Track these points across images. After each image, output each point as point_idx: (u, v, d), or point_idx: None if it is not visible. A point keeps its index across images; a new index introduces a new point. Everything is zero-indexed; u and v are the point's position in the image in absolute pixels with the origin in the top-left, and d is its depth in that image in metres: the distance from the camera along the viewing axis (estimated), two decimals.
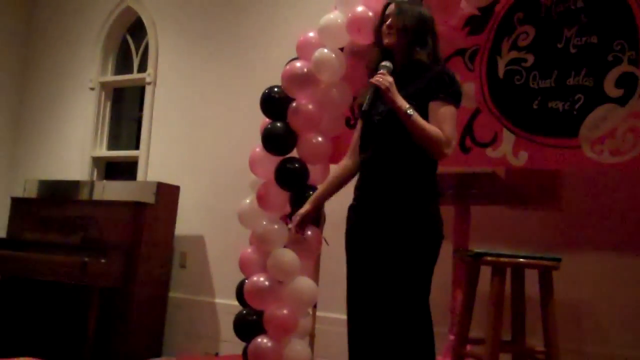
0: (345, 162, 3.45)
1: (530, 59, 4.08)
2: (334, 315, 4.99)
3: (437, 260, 2.85)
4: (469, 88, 4.23)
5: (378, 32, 3.16)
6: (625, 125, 3.73)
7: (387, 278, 2.82)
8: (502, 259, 2.75)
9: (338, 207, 4.78)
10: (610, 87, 3.80)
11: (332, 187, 3.49)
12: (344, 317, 5.05)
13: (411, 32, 2.99)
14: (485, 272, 3.13)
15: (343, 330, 5.01)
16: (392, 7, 3.14)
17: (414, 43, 3.00)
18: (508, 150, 4.07)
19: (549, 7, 4.06)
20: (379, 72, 2.95)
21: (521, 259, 2.74)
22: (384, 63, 3.02)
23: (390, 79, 2.88)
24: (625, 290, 4.12)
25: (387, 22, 3.09)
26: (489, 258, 2.72)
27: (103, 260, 5.59)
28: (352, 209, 3.09)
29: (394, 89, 2.86)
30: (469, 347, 3.19)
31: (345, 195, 4.99)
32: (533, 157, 3.99)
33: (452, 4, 4.18)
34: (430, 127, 2.79)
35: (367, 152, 3.04)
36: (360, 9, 4.28)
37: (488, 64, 4.22)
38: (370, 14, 4.24)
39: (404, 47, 3.03)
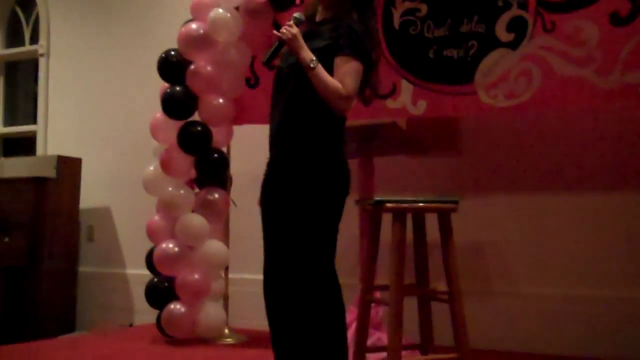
0: None
1: (424, 8, 4.11)
2: (247, 276, 4.99)
3: (341, 214, 2.84)
4: None
5: None
6: (517, 68, 3.82)
7: (290, 232, 2.80)
8: (402, 205, 2.78)
9: (244, 168, 4.81)
10: (501, 32, 3.87)
11: None
12: (257, 277, 5.06)
13: None
14: (390, 221, 3.17)
15: (256, 291, 5.01)
16: None
17: (335, 4, 2.92)
18: (407, 100, 4.11)
19: None
20: (287, 23, 2.88)
21: (420, 204, 2.78)
22: (295, 14, 2.95)
23: (295, 30, 2.82)
24: (526, 228, 4.26)
25: None
26: (389, 205, 2.75)
27: (6, 239, 5.44)
28: (267, 164, 3.06)
29: (298, 41, 2.80)
30: (378, 295, 3.24)
31: (250, 157, 5.00)
32: (431, 106, 4.05)
33: None
34: (331, 81, 2.75)
35: (277, 105, 3.01)
36: None
37: (383, 16, 4.22)
38: None
39: (326, 6, 2.96)
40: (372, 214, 2.85)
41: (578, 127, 4.15)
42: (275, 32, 2.87)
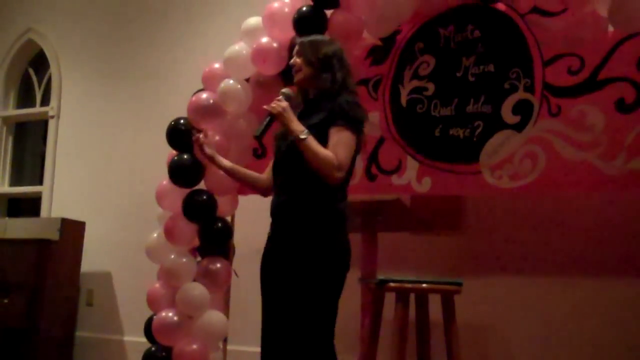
0: (264, 175, 3.42)
1: (431, 87, 4.18)
2: (246, 348, 4.94)
3: (341, 290, 2.84)
4: (373, 117, 4.31)
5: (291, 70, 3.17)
6: (522, 150, 3.85)
7: (290, 309, 2.81)
8: (405, 285, 2.77)
9: (247, 239, 4.80)
10: (507, 114, 3.93)
11: (243, 173, 3.52)
12: (255, 349, 5.01)
13: (316, 66, 3.02)
14: (392, 299, 3.16)
15: None
16: (296, 46, 3.17)
17: (319, 76, 3.01)
18: (412, 177, 4.15)
19: (448, 37, 4.18)
20: (277, 98, 2.97)
21: (424, 284, 2.77)
22: (283, 90, 3.05)
23: (284, 104, 2.91)
24: (528, 309, 4.22)
25: (291, 62, 3.13)
26: (392, 284, 2.74)
27: (5, 301, 5.40)
28: (268, 237, 3.08)
29: (288, 115, 2.88)
30: None
31: (254, 227, 5.00)
32: (436, 184, 4.08)
33: (354, 35, 4.24)
34: (322, 151, 2.80)
35: (277, 180, 3.05)
36: (265, 40, 4.30)
37: (391, 93, 4.30)
38: (275, 44, 4.27)
39: (310, 81, 3.05)
40: (375, 292, 2.84)
41: (584, 211, 4.14)
42: (265, 106, 2.94)
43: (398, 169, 4.20)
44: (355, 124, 2.87)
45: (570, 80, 3.78)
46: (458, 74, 4.11)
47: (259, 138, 3.00)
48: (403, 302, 2.70)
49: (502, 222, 4.35)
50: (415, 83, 4.23)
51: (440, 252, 4.44)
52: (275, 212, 2.96)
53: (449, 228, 4.43)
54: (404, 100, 4.25)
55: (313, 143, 2.81)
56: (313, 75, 3.03)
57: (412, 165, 4.16)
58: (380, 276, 3.04)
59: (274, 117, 2.92)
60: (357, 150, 2.96)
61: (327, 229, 2.84)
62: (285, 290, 2.83)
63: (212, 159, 3.45)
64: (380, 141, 4.29)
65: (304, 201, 2.89)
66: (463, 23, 4.13)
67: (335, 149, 2.81)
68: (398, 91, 4.28)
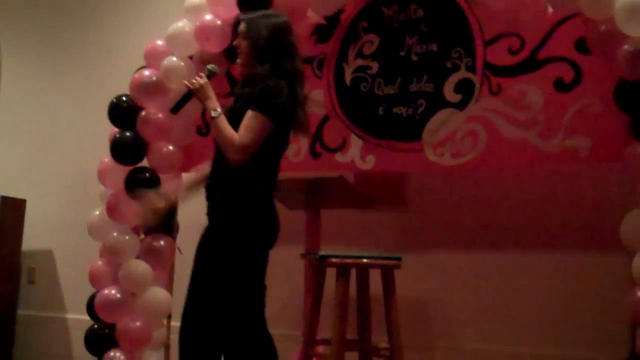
0: None
1: (375, 66, 4.21)
2: None
3: (261, 268, 2.90)
4: (318, 95, 4.33)
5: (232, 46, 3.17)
6: (463, 128, 3.92)
7: (210, 286, 2.88)
8: (346, 260, 2.81)
9: (192, 215, 4.79)
10: (449, 93, 3.98)
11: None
12: None
13: (257, 51, 3.01)
14: (334, 274, 3.19)
15: None
16: (241, 25, 3.13)
17: (258, 59, 3.01)
18: (356, 155, 4.18)
19: (392, 16, 4.21)
20: (199, 74, 3.02)
21: (364, 260, 2.81)
22: (208, 66, 3.09)
23: (203, 81, 2.96)
24: (470, 285, 4.31)
25: (235, 42, 3.11)
26: (334, 260, 2.77)
27: None
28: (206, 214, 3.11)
29: (205, 91, 2.94)
30: (320, 349, 3.24)
31: (198, 205, 4.98)
32: (380, 161, 4.12)
33: (298, 13, 4.23)
34: (228, 131, 2.84)
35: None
36: (208, 17, 4.26)
37: (335, 72, 4.32)
38: (219, 22, 4.24)
39: (250, 62, 3.05)
40: (316, 268, 2.87)
41: (525, 187, 4.23)
42: (184, 81, 3.00)
43: (342, 146, 4.23)
44: (269, 109, 2.87)
45: (511, 59, 3.84)
46: (402, 53, 4.15)
47: (174, 111, 3.06)
48: (344, 278, 2.73)
49: (444, 199, 4.41)
50: (360, 62, 4.26)
51: (384, 229, 4.49)
52: (207, 188, 3.02)
53: (393, 205, 4.48)
54: (348, 79, 4.28)
55: (222, 122, 2.85)
56: (254, 58, 3.02)
57: (356, 143, 4.19)
58: (323, 253, 3.07)
59: (192, 93, 2.96)
60: (283, 134, 2.98)
61: (243, 208, 2.87)
62: (207, 269, 2.89)
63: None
64: (325, 119, 4.31)
65: (223, 180, 2.94)
66: (407, 2, 4.16)
67: (241, 131, 2.83)
68: (342, 70, 4.30)
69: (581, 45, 3.62)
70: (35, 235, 5.92)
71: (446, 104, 3.98)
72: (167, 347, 4.64)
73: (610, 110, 3.50)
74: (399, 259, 2.86)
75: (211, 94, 2.95)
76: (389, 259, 2.84)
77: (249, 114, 2.84)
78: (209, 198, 2.99)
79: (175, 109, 3.04)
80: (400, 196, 4.48)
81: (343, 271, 2.75)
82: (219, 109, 2.89)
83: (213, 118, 2.87)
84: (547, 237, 4.14)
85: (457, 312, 4.34)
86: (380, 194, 4.44)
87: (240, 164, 2.86)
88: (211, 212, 2.98)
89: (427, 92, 4.04)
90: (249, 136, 2.82)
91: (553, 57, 3.72)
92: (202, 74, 3.01)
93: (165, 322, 4.62)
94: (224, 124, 2.86)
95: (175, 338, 4.65)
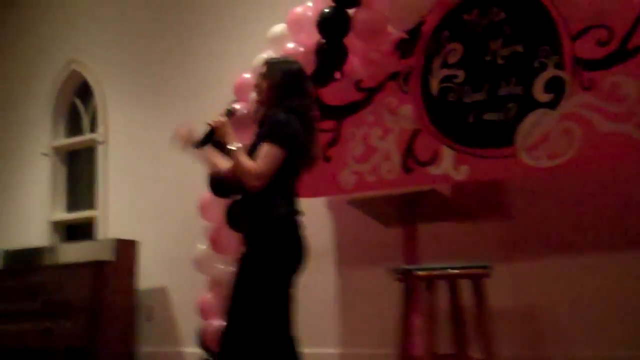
0: None
1: (461, 74, 4.14)
2: (311, 350, 4.97)
3: (284, 289, 3.10)
4: (406, 110, 4.30)
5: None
6: (558, 128, 3.79)
7: (237, 311, 3.09)
8: (433, 272, 2.74)
9: None
10: (539, 93, 3.87)
11: None
12: (311, 351, 5.05)
13: (273, 91, 3.26)
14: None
15: None
16: (263, 67, 3.41)
17: (273, 99, 3.26)
18: (449, 166, 4.11)
19: (473, 22, 4.14)
20: (219, 113, 3.29)
21: (451, 270, 2.74)
22: (227, 107, 3.37)
23: (224, 119, 3.23)
24: (580, 290, 4.13)
25: (255, 82, 3.39)
26: (420, 272, 2.71)
27: (66, 323, 5.56)
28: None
29: (225, 129, 3.19)
30: None
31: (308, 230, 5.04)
32: (474, 170, 4.03)
33: (379, 30, 4.25)
34: (246, 161, 3.08)
35: None
36: (291, 45, 4.34)
37: (422, 85, 4.28)
38: (301, 49, 4.30)
39: (266, 102, 3.30)
40: (405, 282, 2.81)
41: (630, 181, 4.04)
42: (207, 121, 3.25)
43: (434, 159, 4.16)
44: (279, 138, 3.10)
45: (600, 52, 3.69)
46: (487, 58, 4.07)
47: (198, 147, 3.30)
48: (431, 289, 2.66)
49: (546, 202, 4.26)
50: (445, 72, 4.20)
51: (486, 239, 4.37)
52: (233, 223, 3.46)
53: (493, 214, 4.36)
54: (435, 90, 4.22)
55: (241, 155, 3.10)
56: (269, 98, 3.27)
57: (448, 154, 4.12)
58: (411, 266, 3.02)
59: (214, 131, 3.21)
60: (296, 161, 3.21)
61: (266, 234, 3.11)
62: (238, 295, 3.10)
63: None
64: (415, 133, 4.26)
65: (246, 206, 3.22)
66: (487, 6, 4.09)
67: (257, 159, 3.07)
68: (428, 82, 4.25)
69: None
70: (150, 275, 6.11)
71: (537, 105, 3.86)
72: None
73: None
74: (487, 267, 2.76)
75: (230, 130, 3.19)
76: (477, 267, 2.74)
77: (262, 145, 3.09)
78: (238, 231, 3.29)
79: (199, 145, 3.29)
80: (500, 204, 4.36)
81: (429, 283, 2.69)
82: (238, 144, 3.13)
83: (232, 151, 3.10)
84: None
85: (569, 319, 4.15)
86: (479, 204, 4.34)
87: (259, 189, 3.09)
88: (245, 238, 3.21)
89: (517, 94, 3.93)
90: (264, 163, 3.07)
91: None
92: (221, 113, 3.28)
93: None
94: (243, 156, 3.10)
95: None
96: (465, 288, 2.91)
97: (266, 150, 3.08)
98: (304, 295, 5.03)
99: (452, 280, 2.89)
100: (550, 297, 4.24)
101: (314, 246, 5.11)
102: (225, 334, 3.12)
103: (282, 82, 3.26)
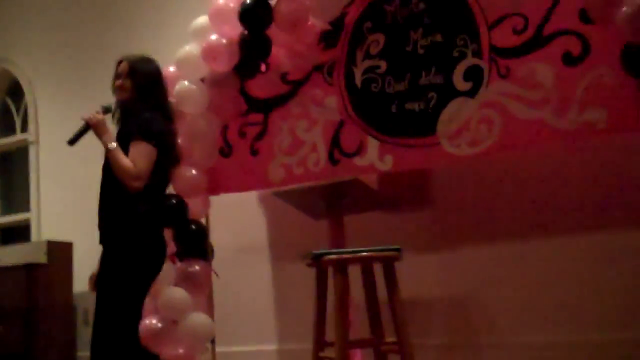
0: None
1: (384, 65, 4.15)
2: (235, 348, 4.96)
3: (143, 291, 3.31)
4: (331, 102, 4.30)
5: (113, 85, 3.49)
6: (477, 116, 3.81)
7: (101, 310, 3.20)
8: (343, 256, 2.74)
9: (225, 238, 4.84)
10: (459, 81, 3.89)
11: None
12: (246, 349, 5.06)
13: (138, 90, 3.35)
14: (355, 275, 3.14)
15: None
16: (124, 65, 3.47)
17: (138, 97, 3.35)
18: (374, 156, 4.11)
19: (394, 13, 4.15)
20: (96, 110, 3.33)
21: (361, 253, 2.74)
22: (103, 104, 3.40)
23: (100, 117, 3.26)
24: (507, 277, 4.18)
25: (118, 82, 3.44)
26: (330, 257, 2.71)
27: (1, 329, 5.47)
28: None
29: (102, 127, 3.23)
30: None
31: (231, 226, 5.01)
32: (398, 160, 4.05)
33: (301, 21, 4.24)
34: (124, 161, 3.13)
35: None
36: (213, 37, 4.31)
37: (346, 76, 4.28)
38: (224, 41, 4.28)
39: (130, 100, 3.39)
40: (317, 269, 2.81)
41: (550, 169, 4.11)
42: (82, 117, 3.32)
43: (360, 150, 4.16)
44: (150, 136, 3.20)
45: (516, 40, 3.72)
46: (408, 49, 4.08)
47: (70, 143, 3.36)
48: (341, 273, 2.66)
49: (470, 192, 4.31)
50: (368, 63, 4.21)
51: (413, 228, 4.41)
52: (98, 216, 3.40)
53: (419, 203, 4.40)
54: (358, 81, 4.23)
55: (118, 154, 3.15)
56: (134, 97, 3.36)
57: (373, 145, 4.13)
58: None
59: (89, 127, 3.27)
60: (166, 160, 3.38)
61: (128, 234, 3.23)
62: (100, 291, 3.25)
63: None
64: (340, 125, 4.26)
65: (111, 207, 3.30)
66: None
67: (134, 159, 3.14)
68: (352, 73, 4.25)
69: (584, 16, 3.49)
70: (85, 277, 6.01)
71: (457, 94, 3.88)
72: None
73: (622, 78, 3.37)
74: (398, 249, 2.77)
75: (106, 128, 3.23)
76: (388, 250, 2.76)
77: (135, 144, 3.15)
78: (100, 227, 3.34)
79: (72, 141, 3.35)
80: (425, 195, 4.39)
81: (340, 267, 2.69)
82: (114, 143, 3.16)
83: (110, 150, 3.15)
84: (588, 218, 3.98)
85: (498, 306, 4.21)
86: (406, 194, 4.37)
87: (140, 189, 3.18)
88: (103, 239, 3.34)
89: (437, 84, 3.95)
90: (143, 164, 3.15)
91: (558, 32, 3.59)
92: (98, 110, 3.31)
93: (209, 347, 4.61)
94: (120, 155, 3.14)
95: None
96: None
97: (140, 148, 3.14)
98: (240, 292, 5.09)
99: (365, 265, 2.89)
100: (478, 285, 4.29)
101: (248, 242, 5.16)
102: (95, 334, 3.21)
103: (145, 81, 3.33)
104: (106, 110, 3.30)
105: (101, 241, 3.37)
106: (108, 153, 3.14)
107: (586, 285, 3.94)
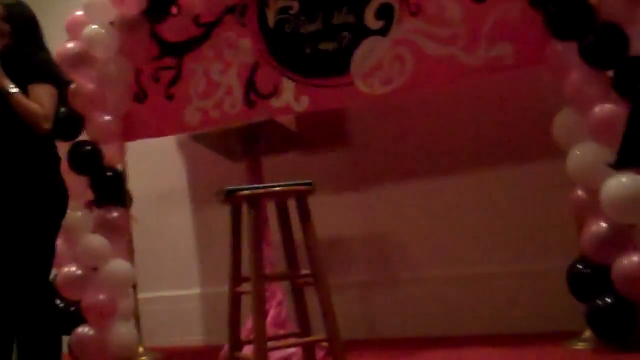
0: None
1: (296, 5, 4.13)
2: (158, 294, 4.98)
3: (54, 233, 3.20)
4: (245, 44, 4.27)
5: None
6: (390, 54, 3.86)
7: (10, 251, 3.06)
8: (256, 191, 2.77)
9: (145, 185, 4.82)
10: (371, 20, 3.92)
11: None
12: (168, 294, 5.08)
13: (18, 34, 3.23)
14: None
15: (169, 308, 5.03)
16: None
17: (23, 41, 3.23)
18: (290, 97, 4.13)
19: None
20: None
21: (276, 189, 2.77)
22: None
23: None
24: (423, 213, 4.30)
25: None
26: (243, 192, 2.73)
27: None
28: None
29: None
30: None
31: (151, 172, 4.97)
32: (313, 101, 4.07)
33: None
34: (31, 104, 3.05)
35: None
36: None
37: (258, 17, 4.25)
38: None
39: (13, 44, 3.23)
40: (231, 205, 2.83)
41: (460, 104, 4.20)
42: None
43: (275, 91, 4.17)
44: (52, 78, 3.18)
45: None
46: None
47: None
48: (255, 209, 2.69)
49: (384, 131, 4.39)
50: (280, 3, 4.17)
51: (329, 169, 4.46)
52: None
53: (336, 144, 4.45)
54: (271, 22, 4.20)
55: (22, 97, 3.05)
56: (16, 40, 3.22)
57: (288, 86, 4.13)
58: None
59: None
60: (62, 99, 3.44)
61: (44, 176, 3.15)
62: (7, 235, 3.05)
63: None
64: (255, 67, 4.24)
65: (17, 151, 3.11)
66: None
67: (39, 101, 3.07)
68: (264, 14, 4.22)
69: None
70: None
71: (369, 32, 3.91)
72: (137, 318, 4.63)
73: (528, 12, 3.47)
74: (310, 184, 2.81)
75: (2, 73, 3.08)
76: (301, 184, 2.80)
77: (37, 86, 3.09)
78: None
79: None
80: (342, 134, 4.44)
81: (253, 202, 2.72)
82: (13, 85, 3.06)
83: (12, 94, 3.04)
84: (493, 153, 4.12)
85: (415, 242, 4.33)
86: (323, 135, 4.42)
87: (50, 130, 3.14)
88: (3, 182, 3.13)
89: (350, 23, 3.97)
90: (50, 105, 3.12)
91: None
92: None
93: (131, 293, 4.60)
94: (24, 98, 3.06)
95: (145, 308, 4.73)
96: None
97: (45, 90, 3.10)
98: (161, 238, 5.09)
99: (279, 200, 2.92)
100: (395, 222, 4.39)
101: (167, 187, 5.14)
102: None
103: (25, 25, 3.25)
104: None
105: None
106: (10, 97, 3.04)
107: (498, 218, 4.08)
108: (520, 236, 3.99)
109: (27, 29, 3.26)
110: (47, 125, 3.11)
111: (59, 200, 3.23)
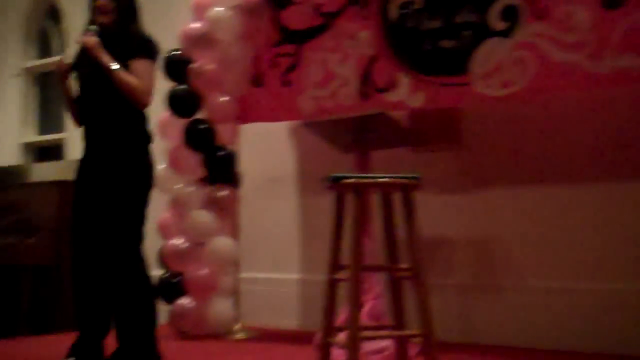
0: None
1: (419, 1, 4.11)
2: (259, 275, 5.06)
3: (146, 205, 3.38)
4: (365, 36, 4.28)
5: (92, 8, 3.40)
6: (511, 57, 3.78)
7: (101, 225, 3.29)
8: (362, 181, 2.77)
9: (255, 167, 4.91)
10: (494, 21, 3.85)
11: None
12: (269, 276, 5.15)
13: (121, 12, 3.35)
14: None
15: (269, 289, 5.10)
16: None
17: (125, 19, 3.36)
18: (405, 93, 4.12)
19: None
20: (86, 34, 3.29)
21: (380, 179, 2.76)
22: (90, 27, 3.34)
23: (95, 39, 3.22)
24: (531, 221, 4.18)
25: (100, 3, 3.35)
26: (348, 180, 2.73)
27: (31, 240, 5.61)
28: (80, 161, 3.52)
29: (99, 48, 3.20)
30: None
31: (263, 156, 5.05)
32: (429, 98, 4.05)
33: None
34: (132, 80, 3.20)
35: (87, 106, 3.38)
36: None
37: (381, 10, 4.25)
38: None
39: (115, 22, 3.35)
40: (337, 192, 2.84)
41: (584, 114, 4.07)
42: (76, 40, 3.35)
43: (391, 86, 4.16)
44: (151, 53, 3.33)
45: None
46: None
47: (75, 68, 3.36)
48: (358, 198, 2.69)
49: (501, 132, 4.28)
50: None
51: (441, 167, 4.40)
52: (88, 135, 3.39)
53: (448, 142, 4.39)
54: (393, 16, 4.20)
55: (123, 73, 3.19)
56: (119, 18, 3.34)
57: (404, 81, 4.12)
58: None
59: (86, 50, 3.24)
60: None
61: (137, 151, 3.34)
62: (99, 207, 3.29)
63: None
64: (373, 59, 4.25)
65: (115, 125, 3.30)
66: None
67: (140, 77, 3.22)
68: (387, 7, 4.22)
69: None
70: None
71: (492, 33, 3.85)
72: (236, 295, 4.73)
73: None
74: (417, 178, 2.79)
75: (103, 50, 3.20)
76: (407, 178, 2.78)
77: (139, 61, 3.24)
78: (95, 143, 3.36)
79: (75, 67, 3.36)
80: (456, 133, 4.38)
81: (358, 191, 2.72)
82: (114, 62, 3.19)
83: (113, 70, 3.17)
84: (618, 167, 3.96)
85: (521, 249, 4.21)
86: (434, 133, 4.38)
87: (150, 104, 3.32)
88: (100, 155, 3.34)
89: (472, 22, 3.92)
90: (150, 81, 3.28)
91: None
92: (91, 33, 3.27)
93: (233, 271, 4.71)
94: (125, 73, 3.19)
95: (245, 287, 4.82)
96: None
97: (145, 66, 3.25)
98: (266, 221, 5.17)
99: (384, 192, 2.91)
100: (502, 227, 4.30)
101: (276, 171, 5.22)
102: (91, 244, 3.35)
103: (128, 4, 3.39)
104: (96, 32, 3.28)
105: (94, 154, 3.40)
106: (111, 73, 3.17)
107: (610, 232, 3.93)
108: (634, 254, 3.83)
109: (130, 6, 3.40)
110: (146, 99, 3.27)
111: (147, 174, 3.40)
